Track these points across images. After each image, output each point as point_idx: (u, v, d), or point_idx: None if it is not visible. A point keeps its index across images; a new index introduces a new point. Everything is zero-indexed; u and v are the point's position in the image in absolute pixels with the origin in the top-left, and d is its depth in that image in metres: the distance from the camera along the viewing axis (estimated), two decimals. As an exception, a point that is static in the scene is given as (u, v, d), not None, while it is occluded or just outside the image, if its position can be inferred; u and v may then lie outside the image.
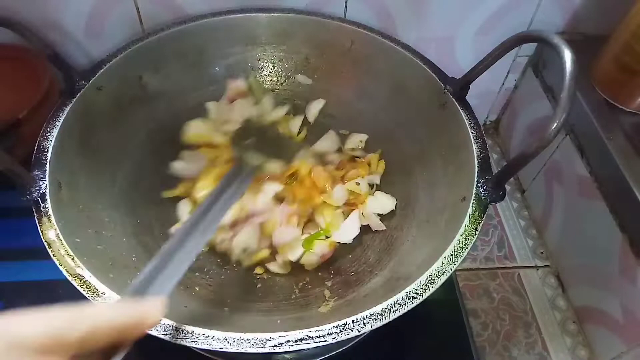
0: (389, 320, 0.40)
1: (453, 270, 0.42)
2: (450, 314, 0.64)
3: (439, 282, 0.42)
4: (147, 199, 0.61)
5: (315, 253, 0.57)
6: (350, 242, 0.59)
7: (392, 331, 0.45)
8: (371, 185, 0.64)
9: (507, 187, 0.67)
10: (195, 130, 0.65)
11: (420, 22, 0.71)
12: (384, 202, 0.61)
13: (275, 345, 0.38)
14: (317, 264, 0.58)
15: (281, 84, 0.72)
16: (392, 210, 0.61)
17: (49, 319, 0.26)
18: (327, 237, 0.58)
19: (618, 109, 0.63)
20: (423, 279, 0.42)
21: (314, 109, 0.71)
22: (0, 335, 0.24)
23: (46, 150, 0.48)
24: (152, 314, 0.32)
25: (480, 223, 0.45)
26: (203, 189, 0.59)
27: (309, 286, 0.57)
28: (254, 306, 0.53)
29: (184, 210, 0.61)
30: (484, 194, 0.47)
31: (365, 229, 0.60)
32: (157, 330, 0.39)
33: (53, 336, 0.26)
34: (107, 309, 0.31)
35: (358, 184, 0.62)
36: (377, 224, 0.60)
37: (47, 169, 0.47)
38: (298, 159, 0.63)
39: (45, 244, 0.43)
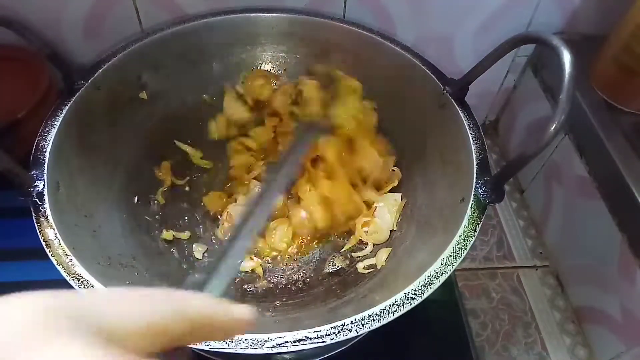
0: (387, 321, 0.40)
1: (452, 271, 0.42)
2: (450, 314, 0.64)
3: (437, 283, 0.42)
4: (146, 199, 0.61)
5: None
6: None
7: (391, 331, 0.45)
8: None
9: (506, 187, 0.67)
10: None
11: (419, 22, 0.71)
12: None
13: (274, 346, 0.38)
14: None
15: (281, 84, 0.72)
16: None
17: (154, 307, 0.20)
18: None
19: (617, 109, 0.63)
20: (422, 279, 0.42)
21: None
22: (91, 324, 0.17)
23: (44, 150, 0.48)
24: (247, 321, 0.26)
25: (479, 224, 0.45)
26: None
27: (308, 286, 0.57)
28: (253, 306, 0.53)
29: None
30: (483, 194, 0.47)
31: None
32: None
33: (154, 330, 0.19)
34: (211, 305, 0.24)
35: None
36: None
37: (46, 168, 0.47)
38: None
39: (44, 244, 0.43)
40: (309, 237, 0.60)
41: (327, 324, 0.39)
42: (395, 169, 0.63)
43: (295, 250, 0.60)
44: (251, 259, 0.57)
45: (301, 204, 0.60)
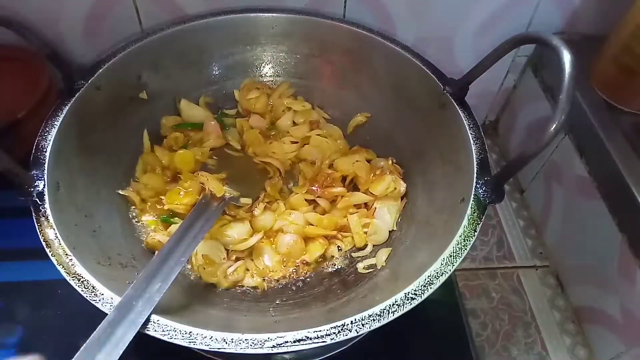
0: (387, 321, 0.40)
1: (452, 271, 0.42)
2: (450, 314, 0.64)
3: (437, 283, 0.42)
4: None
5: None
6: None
7: (391, 331, 0.45)
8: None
9: (506, 187, 0.67)
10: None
11: (419, 22, 0.71)
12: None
13: (274, 346, 0.38)
14: None
15: (281, 84, 0.72)
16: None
17: None
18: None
19: (617, 109, 0.63)
20: (422, 279, 0.42)
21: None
22: None
23: (45, 150, 0.48)
24: None
25: (479, 224, 0.45)
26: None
27: (308, 286, 0.57)
28: (253, 306, 0.53)
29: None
30: (483, 195, 0.47)
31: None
32: (155, 330, 0.39)
33: None
34: None
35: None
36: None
37: (46, 168, 0.47)
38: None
39: (44, 244, 0.43)
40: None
41: (327, 324, 0.39)
42: (402, 183, 0.61)
43: (289, 273, 0.58)
44: (252, 277, 0.57)
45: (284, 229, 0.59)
